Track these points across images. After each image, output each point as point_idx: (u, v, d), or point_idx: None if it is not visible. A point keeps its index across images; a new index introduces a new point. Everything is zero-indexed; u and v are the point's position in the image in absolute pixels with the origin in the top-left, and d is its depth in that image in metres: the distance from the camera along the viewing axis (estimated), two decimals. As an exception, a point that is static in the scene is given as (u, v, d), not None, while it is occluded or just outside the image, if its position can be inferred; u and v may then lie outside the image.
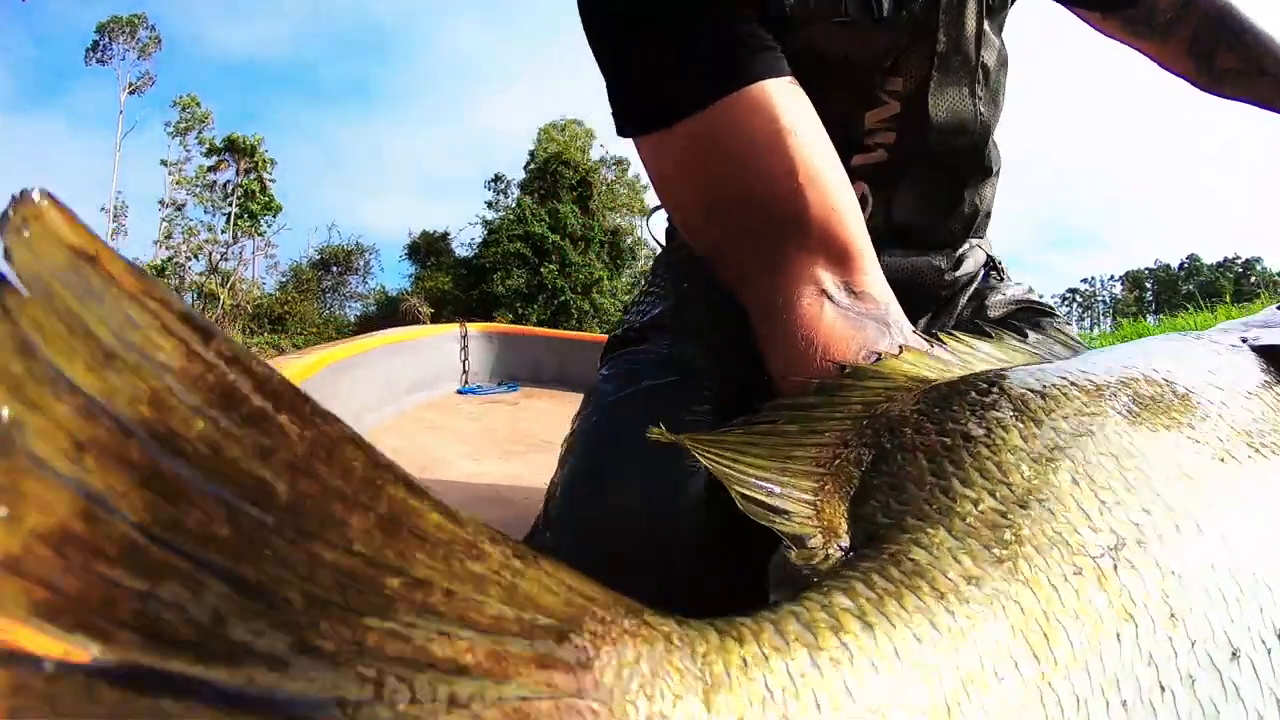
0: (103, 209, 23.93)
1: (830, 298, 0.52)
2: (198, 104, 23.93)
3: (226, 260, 24.93)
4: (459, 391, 3.22)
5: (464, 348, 3.33)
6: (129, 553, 0.15)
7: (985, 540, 0.33)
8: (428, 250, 26.10)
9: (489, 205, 26.28)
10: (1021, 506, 0.34)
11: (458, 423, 2.52)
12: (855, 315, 0.52)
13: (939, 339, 0.46)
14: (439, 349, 3.23)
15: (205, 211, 24.29)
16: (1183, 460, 0.38)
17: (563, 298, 23.83)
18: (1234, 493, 0.38)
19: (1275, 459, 0.40)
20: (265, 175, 24.85)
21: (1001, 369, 0.44)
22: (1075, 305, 51.19)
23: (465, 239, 26.86)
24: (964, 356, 0.45)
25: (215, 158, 24.64)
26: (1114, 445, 0.38)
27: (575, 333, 3.97)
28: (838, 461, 0.38)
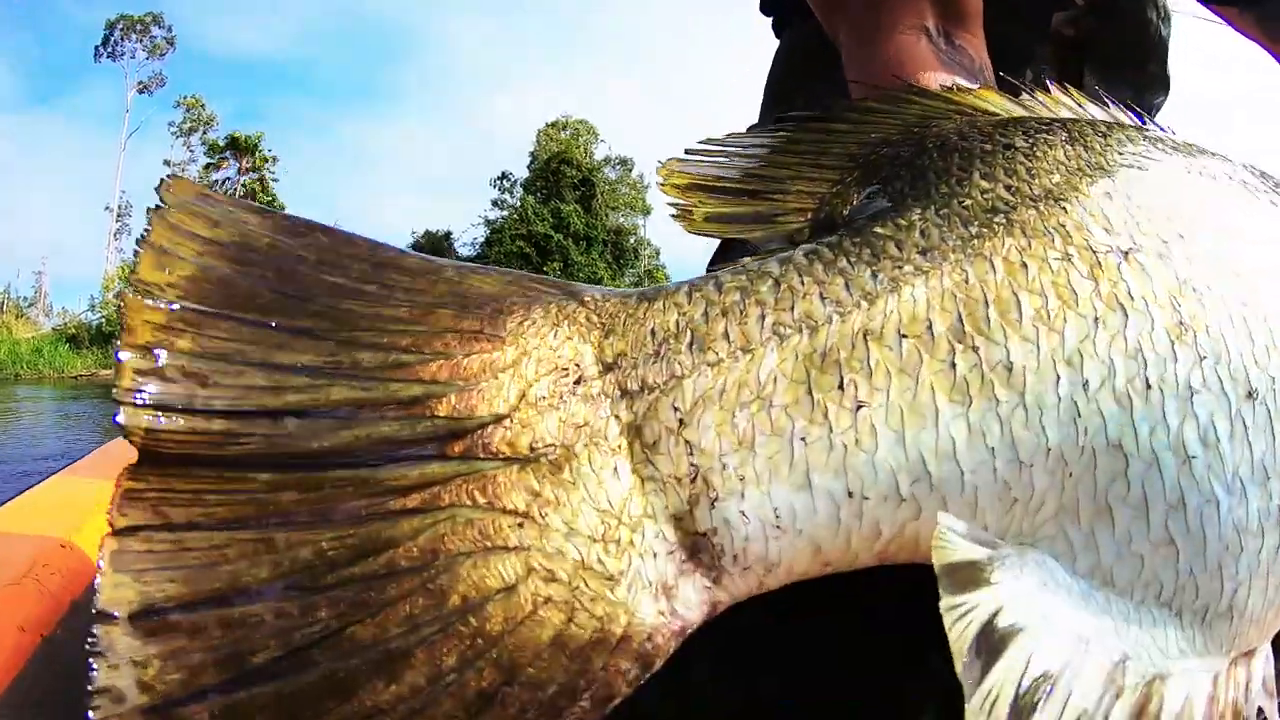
0: (107, 208, 24.07)
1: (930, 36, 0.51)
2: (202, 105, 24.04)
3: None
4: None
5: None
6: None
7: (970, 219, 0.32)
8: (432, 250, 26.17)
9: (495, 204, 26.37)
10: (1033, 200, 0.32)
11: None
12: (949, 60, 0.51)
13: (1038, 91, 0.43)
14: None
15: (208, 211, 24.43)
16: (1237, 225, 0.34)
17: (565, 297, 23.83)
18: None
19: None
20: (267, 173, 24.96)
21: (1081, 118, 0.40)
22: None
23: (469, 239, 26.88)
24: (1055, 108, 0.42)
25: (216, 155, 24.74)
26: (1164, 186, 0.34)
27: None
28: (873, 157, 0.38)
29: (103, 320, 21.56)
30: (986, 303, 0.29)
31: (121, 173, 24.52)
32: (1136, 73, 0.70)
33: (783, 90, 0.80)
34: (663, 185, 0.38)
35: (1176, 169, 0.37)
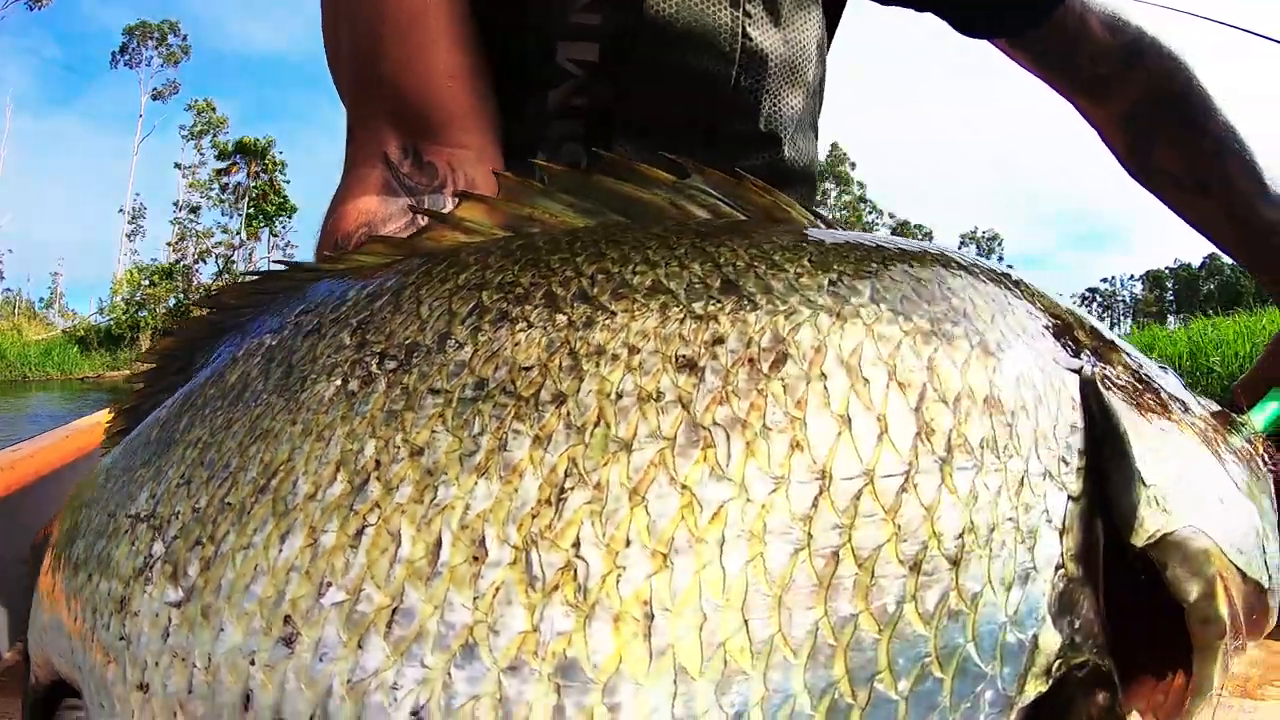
0: (120, 210, 24.15)
1: (390, 163, 0.48)
2: (213, 108, 24.13)
3: (235, 263, 25.25)
4: None
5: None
6: None
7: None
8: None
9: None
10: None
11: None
12: (399, 187, 0.48)
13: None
14: None
15: (223, 214, 24.62)
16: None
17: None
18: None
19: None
20: (278, 177, 25.18)
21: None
22: (1095, 305, 51.73)
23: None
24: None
25: (226, 161, 24.92)
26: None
27: None
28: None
29: (111, 323, 21.71)
30: None
31: (134, 176, 24.63)
32: (699, 134, 0.60)
33: None
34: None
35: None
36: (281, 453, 0.29)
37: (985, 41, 0.68)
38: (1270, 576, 0.31)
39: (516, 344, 0.28)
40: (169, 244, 24.06)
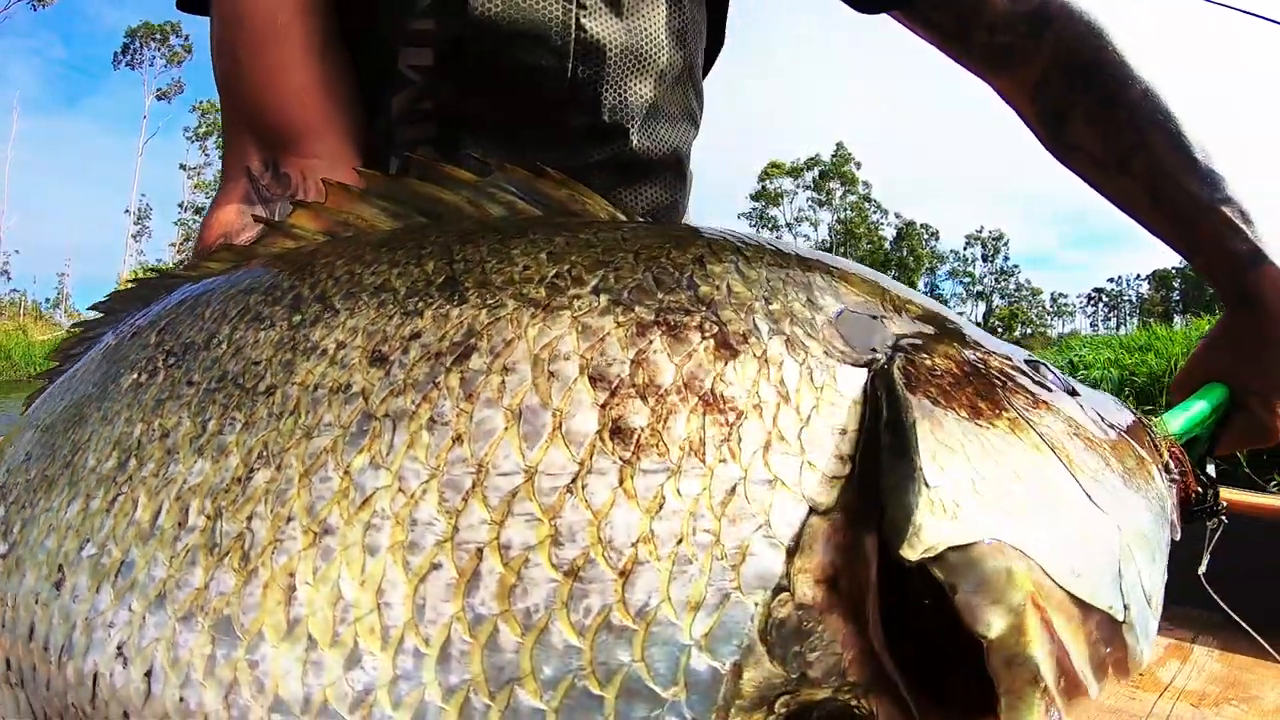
0: (126, 211, 24.31)
1: (251, 175, 0.50)
2: (217, 109, 24.27)
3: (240, 262, 25.40)
4: None
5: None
6: None
7: None
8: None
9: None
10: None
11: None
12: (258, 197, 0.50)
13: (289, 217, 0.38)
14: None
15: (227, 216, 24.83)
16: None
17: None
18: None
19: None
20: (282, 178, 25.27)
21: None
22: (1101, 305, 51.51)
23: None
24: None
25: (231, 161, 25.03)
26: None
27: None
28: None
29: (116, 323, 21.79)
30: None
31: (139, 176, 24.79)
32: (544, 130, 0.60)
33: None
34: None
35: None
36: (85, 433, 0.35)
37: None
38: (1126, 605, 0.26)
39: (257, 341, 0.32)
40: (173, 245, 24.21)
